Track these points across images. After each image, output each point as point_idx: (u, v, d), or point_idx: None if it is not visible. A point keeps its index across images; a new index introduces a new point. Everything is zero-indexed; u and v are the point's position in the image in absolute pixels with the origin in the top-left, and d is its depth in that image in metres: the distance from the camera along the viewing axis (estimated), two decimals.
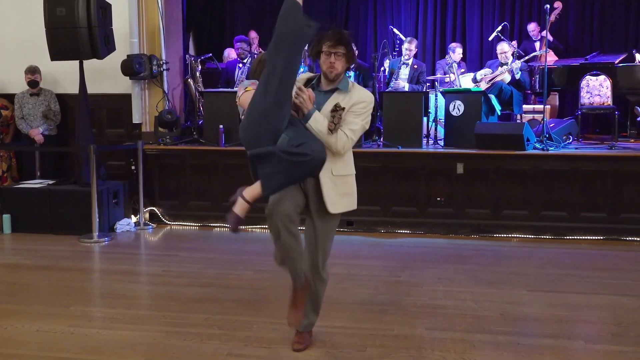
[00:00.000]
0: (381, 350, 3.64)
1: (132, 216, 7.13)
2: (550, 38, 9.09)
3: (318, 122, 3.31)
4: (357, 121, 3.37)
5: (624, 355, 3.57)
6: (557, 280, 5.03)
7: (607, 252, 5.95)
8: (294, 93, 3.26)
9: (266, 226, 6.98)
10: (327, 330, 3.94)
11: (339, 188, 3.45)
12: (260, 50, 9.02)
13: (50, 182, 6.99)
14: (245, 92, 3.80)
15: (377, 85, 8.00)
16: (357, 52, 8.23)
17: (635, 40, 9.36)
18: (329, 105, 3.36)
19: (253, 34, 9.40)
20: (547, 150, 6.62)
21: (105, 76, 7.36)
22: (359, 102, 3.39)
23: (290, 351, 3.63)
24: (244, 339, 3.79)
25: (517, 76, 8.07)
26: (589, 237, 6.36)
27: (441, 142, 7.31)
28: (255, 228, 6.87)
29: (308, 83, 3.50)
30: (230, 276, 5.15)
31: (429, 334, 3.89)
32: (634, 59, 8.24)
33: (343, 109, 3.31)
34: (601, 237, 6.34)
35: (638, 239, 6.27)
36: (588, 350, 3.69)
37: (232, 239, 6.53)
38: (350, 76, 7.98)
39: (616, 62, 8.08)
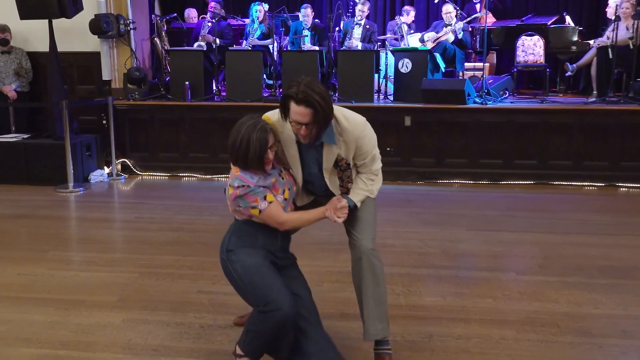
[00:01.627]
0: (337, 285, 3.71)
1: (105, 167, 7.01)
2: None
3: (361, 199, 2.74)
4: (375, 163, 2.76)
5: (549, 284, 3.72)
6: (492, 221, 5.14)
7: (537, 195, 6.12)
8: (330, 215, 2.61)
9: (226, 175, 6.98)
10: None
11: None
12: (222, 10, 8.80)
13: (25, 136, 6.80)
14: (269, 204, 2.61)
15: (332, 44, 7.92)
16: (313, 14, 8.12)
17: (565, 3, 9.45)
18: (327, 161, 2.65)
19: None
20: (486, 104, 6.71)
21: (74, 35, 7.09)
22: (357, 141, 2.60)
23: None
24: (212, 278, 3.81)
25: (460, 36, 8.08)
26: (521, 182, 6.52)
27: (391, 97, 7.32)
28: (221, 177, 6.85)
29: (285, 131, 2.61)
30: (198, 221, 5.14)
31: None
32: (564, 21, 8.33)
33: (348, 164, 2.68)
34: (532, 182, 6.50)
35: (564, 183, 6.45)
36: (518, 281, 3.82)
37: (199, 188, 6.51)
38: (307, 36, 7.87)
39: (549, 23, 8.16)
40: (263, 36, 8.17)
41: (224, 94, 7.44)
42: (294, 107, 2.42)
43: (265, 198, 2.54)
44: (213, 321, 3.21)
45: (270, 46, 8.02)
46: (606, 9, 8.14)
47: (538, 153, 6.51)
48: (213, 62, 7.59)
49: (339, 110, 2.62)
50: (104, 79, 7.31)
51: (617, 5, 7.46)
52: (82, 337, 3.03)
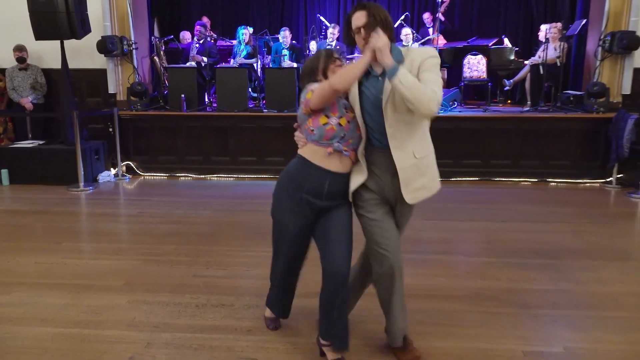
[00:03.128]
0: (310, 269, 3.60)
1: (112, 169, 6.88)
2: (442, 18, 9.17)
3: (408, 77, 2.14)
4: (433, 76, 2.20)
5: (492, 264, 3.76)
6: (445, 211, 5.18)
7: (481, 190, 6.19)
8: (370, 46, 2.22)
9: (222, 174, 6.94)
10: (255, 254, 3.94)
11: (422, 172, 2.37)
12: (212, 32, 8.71)
13: (41, 142, 6.64)
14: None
15: None
16: (290, 36, 8.10)
17: (504, 27, 9.56)
18: (389, 85, 2.23)
19: (205, 19, 9.05)
20: (438, 113, 6.74)
21: (83, 53, 6.95)
22: (424, 59, 2.22)
23: (244, 270, 3.65)
24: (206, 263, 3.77)
25: None
26: (467, 179, 6.58)
27: None
28: (213, 177, 6.78)
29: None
30: (194, 215, 5.08)
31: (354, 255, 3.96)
32: (503, 43, 8.42)
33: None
34: (477, 178, 6.56)
35: (503, 179, 6.53)
36: (466, 262, 3.86)
37: (194, 186, 6.43)
38: (285, 55, 7.85)
39: (490, 44, 8.24)
40: (248, 55, 8.12)
41: (215, 105, 7.36)
42: (352, 19, 2.29)
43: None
44: (207, 301, 3.17)
45: (255, 64, 7.98)
46: (538, 33, 8.27)
47: (482, 154, 6.56)
48: (205, 77, 7.52)
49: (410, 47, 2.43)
50: (109, 92, 7.18)
51: (546, 29, 7.59)
52: (92, 317, 2.97)
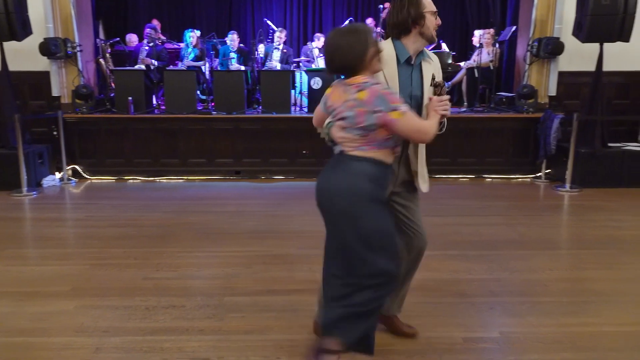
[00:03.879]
0: (263, 267, 3.67)
1: (57, 173, 6.56)
2: (378, 29, 9.30)
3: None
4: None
5: (433, 257, 3.75)
6: None
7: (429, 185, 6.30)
8: (437, 107, 2.18)
9: (171, 176, 6.76)
10: (223, 254, 3.91)
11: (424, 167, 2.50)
12: (161, 35, 8.49)
13: None
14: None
15: (255, 65, 7.84)
16: (238, 39, 8.00)
17: (441, 32, 9.80)
18: (426, 82, 2.28)
19: (155, 22, 8.81)
20: None
21: (25, 56, 6.56)
22: (439, 69, 2.36)
23: (194, 271, 3.57)
24: (156, 266, 3.67)
25: None
26: None
27: (305, 109, 7.33)
28: (162, 179, 6.61)
29: (385, 54, 2.16)
30: (143, 218, 4.93)
31: (299, 252, 3.95)
32: (440, 47, 8.65)
33: (443, 83, 2.28)
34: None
35: (443, 176, 6.67)
36: None
37: (142, 189, 6.24)
38: (233, 58, 7.76)
39: (429, 49, 8.43)
40: (196, 58, 7.96)
41: (163, 107, 7.17)
42: (428, 3, 2.24)
43: (405, 103, 2.03)
44: (157, 303, 3.09)
45: (203, 67, 7.84)
46: (472, 38, 8.54)
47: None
48: (153, 80, 7.32)
49: None
50: (53, 95, 6.85)
51: (480, 35, 7.85)
52: (37, 324, 2.83)
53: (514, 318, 2.92)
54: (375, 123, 2.01)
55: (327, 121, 2.26)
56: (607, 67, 6.22)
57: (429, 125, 2.11)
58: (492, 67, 7.48)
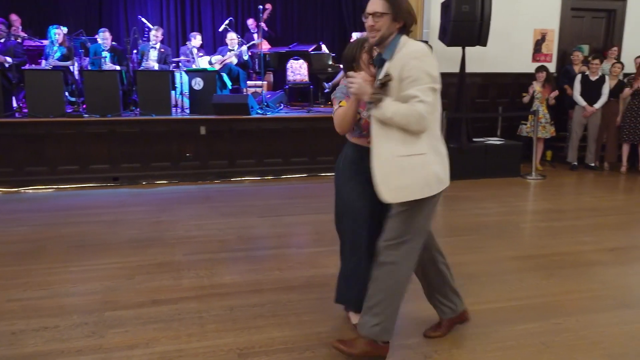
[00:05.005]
0: (148, 277, 3.50)
1: None
2: (266, 28, 9.35)
3: (388, 108, 2.15)
4: (414, 90, 2.12)
5: (321, 254, 3.94)
6: (277, 208, 5.27)
7: (309, 185, 6.44)
8: (344, 82, 2.28)
9: (39, 186, 6.17)
10: (102, 266, 3.66)
11: (402, 172, 2.22)
12: (20, 32, 7.70)
13: None
14: (339, 107, 2.49)
15: (132, 65, 7.43)
16: (111, 37, 7.52)
17: (321, 35, 10.09)
18: (380, 75, 2.26)
19: (14, 17, 7.96)
20: (266, 114, 6.87)
21: None
22: (404, 63, 2.14)
23: (69, 287, 3.30)
24: (23, 285, 3.33)
25: (246, 57, 8.18)
26: (297, 175, 6.80)
27: (187, 110, 7.10)
28: (28, 189, 6.01)
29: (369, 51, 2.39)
30: (6, 233, 4.43)
31: (185, 258, 3.84)
32: (321, 49, 8.87)
33: (387, 82, 2.18)
34: (305, 175, 6.81)
35: (329, 174, 6.85)
36: (299, 254, 3.99)
37: (5, 201, 5.63)
38: (106, 57, 7.28)
39: (310, 50, 8.62)
40: (63, 57, 7.34)
41: (26, 110, 6.51)
42: (369, 3, 2.24)
43: (339, 103, 2.50)
44: (26, 326, 2.80)
45: (71, 66, 7.24)
46: (351, 40, 8.85)
47: (309, 152, 6.82)
48: (11, 80, 6.61)
49: (412, 40, 2.23)
50: None
51: (357, 38, 8.17)
52: None
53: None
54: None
55: None
56: (469, 69, 6.83)
57: (336, 122, 2.52)
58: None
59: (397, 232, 2.32)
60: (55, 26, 7.42)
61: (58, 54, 7.32)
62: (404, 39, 2.23)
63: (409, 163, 2.21)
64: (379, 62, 2.30)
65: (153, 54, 7.62)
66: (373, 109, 2.21)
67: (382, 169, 2.26)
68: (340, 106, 2.46)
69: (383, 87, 2.19)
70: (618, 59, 7.63)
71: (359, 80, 2.23)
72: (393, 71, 2.19)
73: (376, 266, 2.39)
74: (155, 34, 7.60)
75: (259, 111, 6.96)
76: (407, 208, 2.29)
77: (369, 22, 2.21)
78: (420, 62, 2.13)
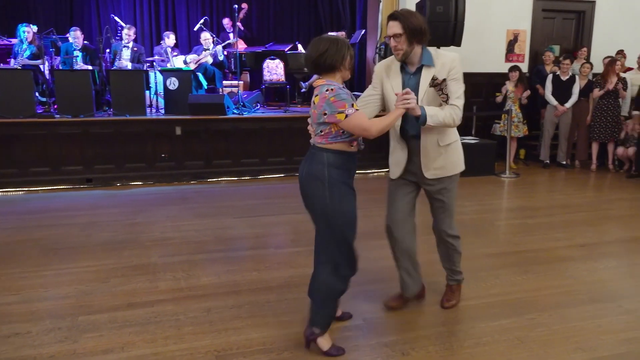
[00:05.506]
0: (123, 280, 3.44)
1: None
2: (242, 28, 9.30)
3: (435, 115, 2.57)
4: (458, 87, 2.65)
5: (299, 254, 3.93)
6: (254, 208, 5.25)
7: (286, 185, 6.41)
8: (399, 103, 2.50)
9: (8, 188, 6.02)
10: (75, 270, 3.58)
11: (443, 157, 2.76)
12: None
13: None
14: (355, 110, 2.40)
15: (104, 65, 7.31)
16: (82, 36, 7.38)
17: (297, 34, 10.08)
18: (424, 83, 2.63)
19: None
20: (242, 114, 6.83)
21: None
22: (452, 67, 2.64)
23: (41, 292, 3.22)
24: None
25: (221, 58, 8.12)
26: (274, 175, 6.77)
27: (162, 111, 7.02)
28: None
29: (392, 66, 2.72)
30: None
31: (161, 260, 3.79)
32: (297, 48, 8.87)
33: (444, 80, 2.59)
34: (282, 175, 6.79)
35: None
36: (277, 254, 3.98)
37: None
38: (78, 57, 7.15)
39: (286, 50, 8.61)
40: (33, 56, 7.17)
41: None
42: (388, 26, 2.59)
43: (352, 105, 2.35)
44: None
45: (41, 65, 7.08)
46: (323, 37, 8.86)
47: (285, 151, 6.80)
48: None
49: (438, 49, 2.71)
50: None
51: (335, 38, 8.19)
52: None
53: (375, 304, 3.11)
54: (325, 122, 2.38)
55: None
56: None
57: (371, 123, 2.42)
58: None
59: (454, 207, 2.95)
60: (24, 24, 7.24)
61: (27, 53, 7.15)
62: (432, 48, 2.69)
63: (447, 150, 2.76)
64: (409, 71, 2.69)
65: (126, 53, 7.50)
66: (422, 121, 2.58)
67: (426, 157, 2.74)
68: (356, 109, 2.38)
69: (437, 87, 2.58)
70: (587, 59, 7.81)
71: (413, 98, 2.50)
72: (440, 75, 2.61)
73: (454, 239, 3.00)
74: (128, 33, 7.49)
75: (235, 111, 6.92)
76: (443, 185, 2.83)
77: (392, 43, 2.60)
78: (460, 67, 2.67)
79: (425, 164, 2.75)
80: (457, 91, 2.65)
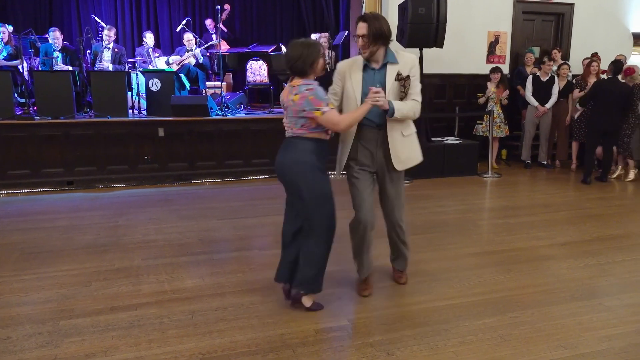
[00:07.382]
0: (105, 283, 3.40)
1: None
2: (225, 29, 9.25)
3: (400, 109, 2.86)
4: (417, 84, 2.95)
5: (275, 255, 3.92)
6: (238, 210, 5.23)
7: (271, 186, 6.38)
8: (369, 99, 2.76)
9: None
10: (56, 274, 3.53)
11: (407, 147, 3.02)
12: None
13: None
14: (330, 109, 2.80)
15: (85, 66, 7.21)
16: (62, 37, 7.27)
17: (281, 35, 10.07)
18: (390, 78, 2.88)
19: None
20: (226, 115, 6.80)
21: None
22: (412, 66, 2.93)
23: (21, 296, 3.16)
24: None
25: (201, 60, 8.06)
26: (258, 177, 6.75)
27: (144, 112, 6.96)
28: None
29: (353, 65, 2.94)
30: None
31: (144, 263, 3.75)
32: (280, 49, 8.86)
33: (408, 77, 2.88)
34: (266, 176, 6.76)
35: None
36: (261, 255, 3.96)
37: None
38: (58, 57, 7.05)
39: (269, 51, 8.60)
40: (10, 57, 7.05)
41: None
42: (357, 27, 2.84)
43: (327, 104, 2.73)
44: None
45: (20, 66, 6.97)
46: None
47: (269, 153, 6.75)
48: None
49: (399, 47, 2.94)
50: None
51: (316, 38, 8.22)
52: None
53: (359, 305, 3.11)
54: (305, 117, 2.75)
55: None
56: (427, 70, 6.95)
57: (340, 118, 2.80)
58: (328, 70, 7.86)
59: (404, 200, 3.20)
60: (0, 24, 7.12)
61: (4, 54, 7.03)
62: (392, 47, 2.93)
63: (409, 140, 3.03)
64: (374, 68, 2.93)
65: (107, 54, 7.42)
66: (390, 113, 2.85)
67: (395, 148, 2.97)
68: (330, 108, 2.75)
69: (402, 81, 2.87)
70: (567, 60, 7.93)
71: (383, 95, 2.79)
72: (403, 71, 2.89)
73: (401, 230, 3.23)
74: (108, 34, 7.40)
75: (218, 112, 6.88)
76: (402, 174, 3.11)
77: (360, 42, 2.84)
78: (418, 67, 2.97)
79: (395, 155, 2.98)
80: (416, 87, 2.95)
